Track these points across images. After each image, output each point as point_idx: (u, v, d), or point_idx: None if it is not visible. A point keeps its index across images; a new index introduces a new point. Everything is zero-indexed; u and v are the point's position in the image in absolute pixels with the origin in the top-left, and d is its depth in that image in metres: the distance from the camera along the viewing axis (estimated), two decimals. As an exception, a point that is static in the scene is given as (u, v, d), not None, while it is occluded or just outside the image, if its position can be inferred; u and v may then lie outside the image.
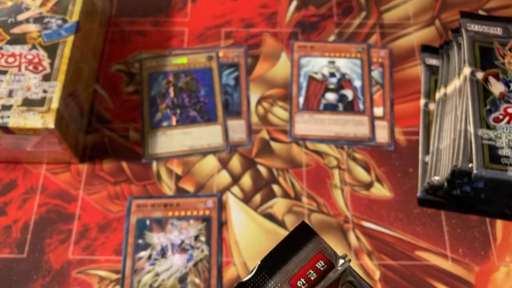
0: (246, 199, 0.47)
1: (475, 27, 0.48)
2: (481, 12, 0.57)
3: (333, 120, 0.51)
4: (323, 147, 0.50)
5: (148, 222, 0.45)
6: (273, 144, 0.50)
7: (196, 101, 0.52)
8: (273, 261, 0.25)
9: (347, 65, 0.54)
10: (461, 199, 0.44)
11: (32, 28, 0.48)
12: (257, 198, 0.47)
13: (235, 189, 0.47)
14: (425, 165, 0.48)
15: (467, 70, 0.45)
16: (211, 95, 0.52)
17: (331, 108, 0.51)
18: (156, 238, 0.45)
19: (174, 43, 0.56)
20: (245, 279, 0.24)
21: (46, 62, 0.46)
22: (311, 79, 0.53)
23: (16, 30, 0.48)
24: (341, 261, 0.25)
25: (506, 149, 0.41)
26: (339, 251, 0.39)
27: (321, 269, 0.25)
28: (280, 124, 0.51)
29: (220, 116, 0.51)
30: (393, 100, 0.52)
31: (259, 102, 0.52)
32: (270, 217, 0.46)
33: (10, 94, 0.44)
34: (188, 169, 0.48)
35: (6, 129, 0.43)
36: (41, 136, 0.44)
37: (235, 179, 0.48)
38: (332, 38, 0.56)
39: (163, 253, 0.44)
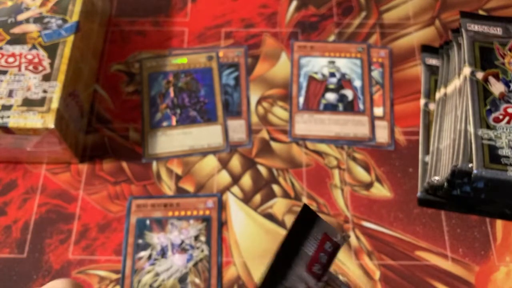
0: (246, 199, 0.47)
1: (475, 27, 0.48)
2: (481, 12, 0.57)
3: (333, 120, 0.51)
4: (323, 147, 0.50)
5: (148, 222, 0.45)
6: (273, 144, 0.50)
7: (196, 101, 0.52)
8: (287, 253, 0.25)
9: (347, 65, 0.54)
10: (461, 199, 0.44)
11: (32, 28, 0.48)
12: (257, 198, 0.47)
13: (235, 189, 0.47)
14: (425, 165, 0.48)
15: (467, 70, 0.45)
16: (211, 95, 0.52)
17: (331, 108, 0.51)
18: (156, 238, 0.45)
19: (174, 43, 0.56)
20: (263, 278, 0.24)
21: (46, 62, 0.46)
22: (311, 79, 0.53)
23: (16, 30, 0.48)
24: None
25: (506, 149, 0.41)
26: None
27: (329, 250, 0.25)
28: (280, 124, 0.51)
29: (220, 116, 0.51)
30: (393, 100, 0.52)
31: (259, 102, 0.52)
32: (270, 217, 0.46)
33: (10, 94, 0.44)
34: (188, 169, 0.48)
35: (6, 129, 0.43)
36: (41, 136, 0.44)
37: (235, 179, 0.48)
38: (332, 38, 0.56)
39: (163, 253, 0.44)
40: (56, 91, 0.44)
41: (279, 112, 0.52)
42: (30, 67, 0.45)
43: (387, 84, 0.53)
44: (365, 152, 0.49)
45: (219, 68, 0.54)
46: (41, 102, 0.43)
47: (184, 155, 0.49)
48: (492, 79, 0.45)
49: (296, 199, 0.47)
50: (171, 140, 0.50)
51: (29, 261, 0.44)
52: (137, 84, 0.53)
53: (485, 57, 0.46)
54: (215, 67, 0.54)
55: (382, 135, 0.50)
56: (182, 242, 0.45)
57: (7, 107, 0.43)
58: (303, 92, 0.52)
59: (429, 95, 0.51)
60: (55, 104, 0.43)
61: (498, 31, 0.48)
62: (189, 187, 0.47)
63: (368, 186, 0.48)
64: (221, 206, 0.46)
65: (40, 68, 0.45)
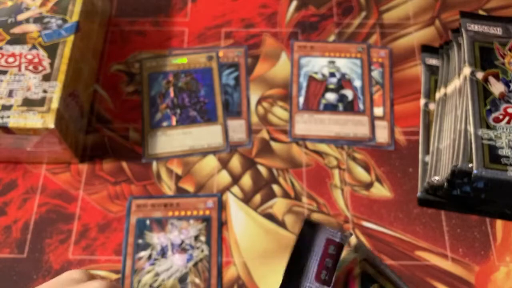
0: (246, 199, 0.47)
1: (475, 27, 0.48)
2: (481, 12, 0.57)
3: (333, 120, 0.51)
4: (323, 147, 0.50)
5: (148, 222, 0.45)
6: (273, 144, 0.50)
7: (196, 101, 0.52)
8: (296, 267, 0.25)
9: (347, 65, 0.54)
10: (461, 199, 0.44)
11: (32, 28, 0.48)
12: (257, 198, 0.47)
13: (235, 189, 0.47)
14: (425, 165, 0.48)
15: (467, 70, 0.45)
16: (211, 95, 0.52)
17: (331, 108, 0.51)
18: (156, 238, 0.45)
19: (174, 43, 0.56)
20: None
21: (46, 62, 0.46)
22: (311, 79, 0.53)
23: (16, 30, 0.48)
24: (354, 239, 0.26)
25: (506, 149, 0.41)
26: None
27: (334, 253, 0.25)
28: (280, 124, 0.51)
29: (220, 116, 0.51)
30: (393, 100, 0.52)
31: (259, 102, 0.52)
32: (270, 217, 0.46)
33: (10, 94, 0.44)
34: (188, 169, 0.48)
35: (6, 129, 0.43)
36: (41, 136, 0.44)
37: (235, 179, 0.48)
38: (332, 38, 0.56)
39: (163, 253, 0.44)
40: (56, 91, 0.44)
41: (279, 112, 0.52)
42: (30, 67, 0.45)
43: (387, 84, 0.53)
44: (365, 152, 0.49)
45: (219, 68, 0.54)
46: (41, 102, 0.43)
47: (184, 155, 0.49)
48: (492, 79, 0.45)
49: (296, 199, 0.47)
50: (171, 140, 0.50)
51: (29, 261, 0.44)
52: (137, 84, 0.53)
53: (485, 57, 0.46)
54: (215, 67, 0.54)
55: (382, 135, 0.50)
56: (182, 242, 0.45)
57: (7, 107, 0.43)
58: (303, 92, 0.52)
59: (429, 95, 0.51)
60: (55, 104, 0.43)
61: (498, 31, 0.48)
62: (189, 187, 0.47)
63: (368, 186, 0.48)
64: (221, 206, 0.46)
65: (40, 68, 0.45)
